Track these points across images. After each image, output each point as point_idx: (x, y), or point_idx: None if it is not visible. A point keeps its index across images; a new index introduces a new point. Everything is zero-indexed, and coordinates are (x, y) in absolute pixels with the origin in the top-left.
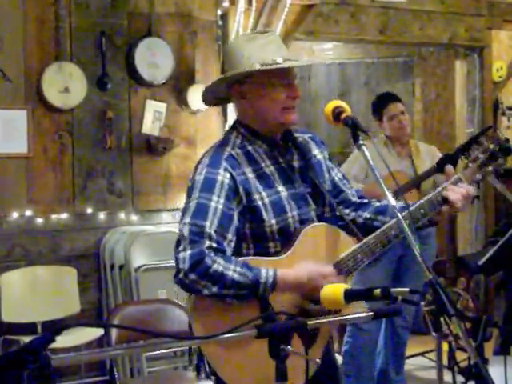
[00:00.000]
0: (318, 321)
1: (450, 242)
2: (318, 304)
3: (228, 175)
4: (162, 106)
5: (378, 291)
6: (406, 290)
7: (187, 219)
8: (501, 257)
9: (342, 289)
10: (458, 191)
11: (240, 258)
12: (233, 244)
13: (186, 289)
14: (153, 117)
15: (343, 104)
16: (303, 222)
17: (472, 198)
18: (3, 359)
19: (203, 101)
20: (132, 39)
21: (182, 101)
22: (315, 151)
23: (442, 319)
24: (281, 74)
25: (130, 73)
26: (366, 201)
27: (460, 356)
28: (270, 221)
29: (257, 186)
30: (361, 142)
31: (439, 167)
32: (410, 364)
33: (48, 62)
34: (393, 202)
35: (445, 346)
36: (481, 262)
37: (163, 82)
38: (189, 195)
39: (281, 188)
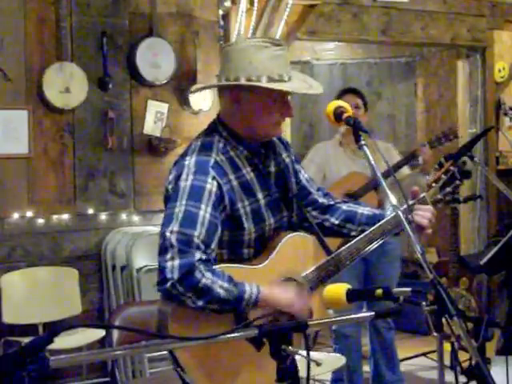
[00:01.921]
0: (318, 321)
1: (453, 241)
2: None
3: (216, 184)
4: (163, 107)
5: (379, 291)
6: (408, 289)
7: (175, 227)
8: (503, 256)
9: (345, 289)
10: (424, 215)
11: (220, 265)
12: (214, 253)
13: (170, 299)
14: (154, 117)
15: (345, 104)
16: (277, 228)
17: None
18: (1, 360)
19: (191, 92)
20: (133, 39)
21: (184, 101)
22: (283, 154)
23: (443, 319)
24: (281, 91)
25: (131, 73)
26: (332, 202)
27: (463, 356)
28: (250, 229)
29: (241, 194)
30: (362, 142)
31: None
32: (411, 364)
33: (49, 62)
34: (394, 201)
35: (447, 347)
36: (482, 262)
37: (165, 82)
38: (173, 200)
39: (260, 196)
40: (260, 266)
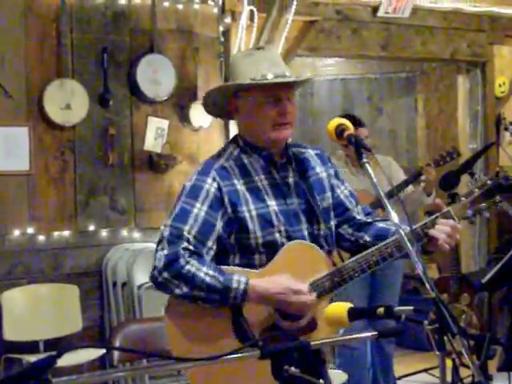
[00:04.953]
0: (321, 341)
1: (453, 257)
2: (287, 319)
3: (215, 185)
4: (164, 123)
5: (381, 310)
6: (410, 308)
7: (169, 222)
8: (504, 273)
9: (346, 308)
10: (444, 230)
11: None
12: (212, 252)
13: (158, 287)
14: (155, 133)
15: (346, 122)
16: (291, 238)
17: (458, 236)
18: (5, 382)
19: (205, 110)
20: (134, 56)
21: (184, 118)
22: (318, 168)
23: (445, 337)
24: (270, 90)
25: (131, 89)
26: (370, 220)
27: (465, 372)
28: (256, 233)
29: (246, 198)
30: (365, 160)
31: (441, 184)
32: (413, 381)
33: (49, 78)
34: (396, 219)
35: (448, 363)
36: (485, 280)
37: (165, 98)
38: (177, 198)
39: (271, 202)
40: (257, 271)
